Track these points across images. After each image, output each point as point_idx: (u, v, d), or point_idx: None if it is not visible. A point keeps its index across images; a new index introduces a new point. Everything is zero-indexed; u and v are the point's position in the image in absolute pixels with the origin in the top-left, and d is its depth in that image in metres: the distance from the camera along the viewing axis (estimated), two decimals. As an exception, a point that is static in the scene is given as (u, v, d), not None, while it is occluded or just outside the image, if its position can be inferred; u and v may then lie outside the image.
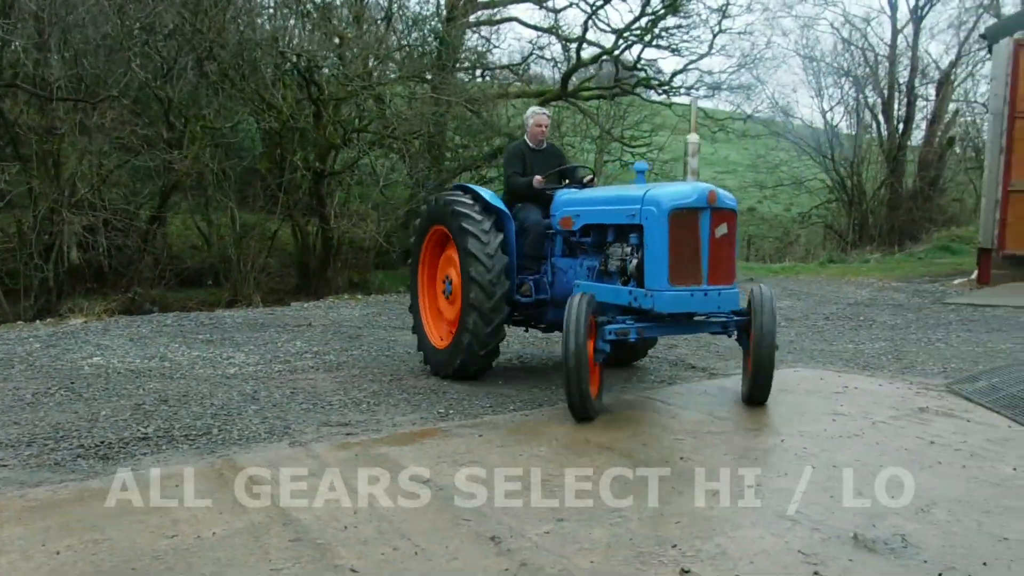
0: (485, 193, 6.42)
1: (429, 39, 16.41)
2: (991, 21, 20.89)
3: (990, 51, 13.94)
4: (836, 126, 26.25)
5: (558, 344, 6.07)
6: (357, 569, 3.05)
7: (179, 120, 14.16)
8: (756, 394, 5.46)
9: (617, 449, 4.51)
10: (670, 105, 20.26)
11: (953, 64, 25.23)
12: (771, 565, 3.07)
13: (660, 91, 19.21)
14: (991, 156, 13.43)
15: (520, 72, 19.16)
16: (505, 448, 4.56)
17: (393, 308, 11.05)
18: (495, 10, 18.81)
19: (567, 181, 6.77)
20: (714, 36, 18.34)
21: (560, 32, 18.37)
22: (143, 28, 13.07)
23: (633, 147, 18.90)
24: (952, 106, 25.57)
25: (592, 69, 19.34)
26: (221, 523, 3.48)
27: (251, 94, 13.81)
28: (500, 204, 6.36)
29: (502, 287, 6.07)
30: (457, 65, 16.90)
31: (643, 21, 17.67)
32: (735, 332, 5.58)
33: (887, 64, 25.90)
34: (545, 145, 6.94)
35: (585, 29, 17.71)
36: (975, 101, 24.69)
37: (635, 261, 5.38)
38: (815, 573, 3.01)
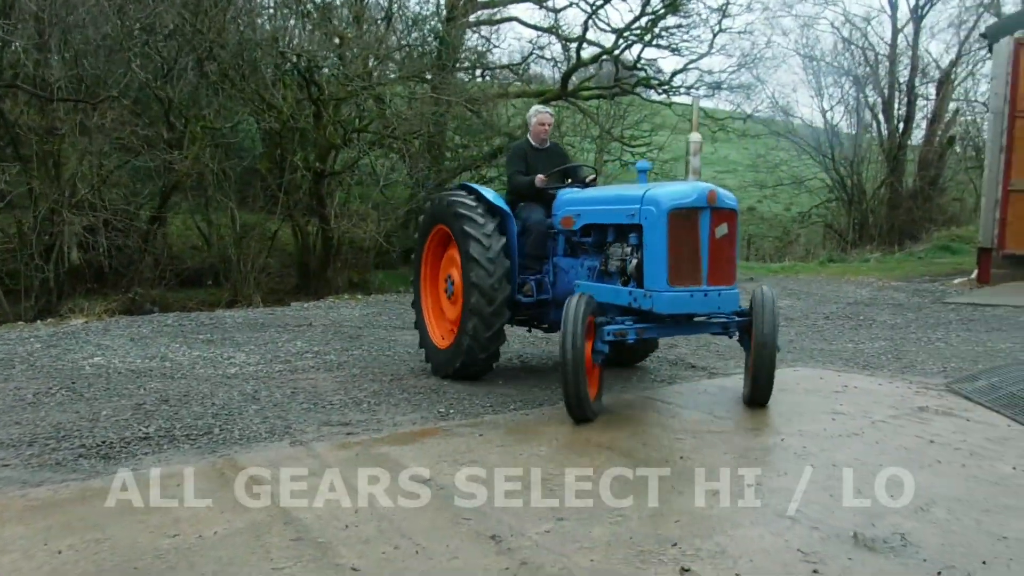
0: (488, 193, 6.38)
1: (429, 39, 16.42)
2: (991, 20, 20.89)
3: (990, 50, 13.95)
4: (836, 125, 26.32)
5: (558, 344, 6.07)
6: (358, 568, 3.06)
7: (179, 120, 14.16)
8: (757, 396, 5.44)
9: (617, 448, 4.51)
10: (670, 105, 20.25)
11: (953, 63, 25.27)
12: (771, 564, 3.08)
13: (660, 91, 19.19)
14: (991, 155, 13.44)
15: (520, 72, 19.15)
16: (505, 448, 4.57)
17: (393, 308, 11.06)
18: (495, 10, 18.82)
19: (570, 180, 6.73)
20: (714, 36, 18.40)
21: (560, 32, 18.37)
22: (143, 28, 13.06)
23: (633, 147, 18.91)
24: (952, 105, 25.62)
25: (592, 69, 19.34)
26: (222, 522, 3.49)
27: (251, 94, 13.81)
28: (503, 204, 6.34)
29: (503, 292, 6.05)
30: (457, 65, 16.88)
31: (643, 21, 17.69)
32: (736, 333, 5.55)
33: (887, 63, 25.94)
34: (548, 144, 6.93)
35: (585, 29, 17.75)
36: (975, 100, 24.75)
37: (634, 261, 5.35)
38: (815, 572, 3.01)
